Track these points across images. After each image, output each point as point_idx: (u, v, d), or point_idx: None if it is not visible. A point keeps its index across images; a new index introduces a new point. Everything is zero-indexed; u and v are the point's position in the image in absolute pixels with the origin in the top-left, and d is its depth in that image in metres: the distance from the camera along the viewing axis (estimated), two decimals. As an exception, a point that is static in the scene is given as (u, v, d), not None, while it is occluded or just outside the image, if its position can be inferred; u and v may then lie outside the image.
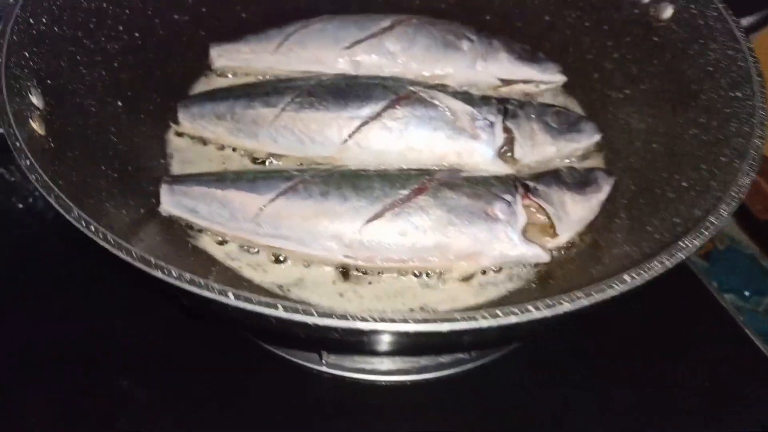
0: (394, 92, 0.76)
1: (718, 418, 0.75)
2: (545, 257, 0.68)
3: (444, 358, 0.73)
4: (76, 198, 0.53)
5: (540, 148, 0.77)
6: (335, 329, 0.44)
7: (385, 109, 0.75)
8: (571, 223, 0.69)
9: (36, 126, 0.60)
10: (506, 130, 0.76)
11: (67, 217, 0.50)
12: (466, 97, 0.78)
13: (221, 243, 0.70)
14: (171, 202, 0.71)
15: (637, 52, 0.82)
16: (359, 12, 0.91)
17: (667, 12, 0.79)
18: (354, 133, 0.75)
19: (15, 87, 0.60)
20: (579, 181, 0.72)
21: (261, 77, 0.88)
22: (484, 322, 0.44)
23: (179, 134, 0.82)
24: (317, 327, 0.44)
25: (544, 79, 0.87)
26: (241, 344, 0.75)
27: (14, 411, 0.70)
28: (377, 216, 0.66)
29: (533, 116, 0.77)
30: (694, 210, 0.61)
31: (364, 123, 0.75)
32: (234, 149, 0.80)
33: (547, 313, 0.44)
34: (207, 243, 0.70)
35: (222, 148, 0.81)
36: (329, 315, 0.44)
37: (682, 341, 0.80)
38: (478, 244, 0.66)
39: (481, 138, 0.75)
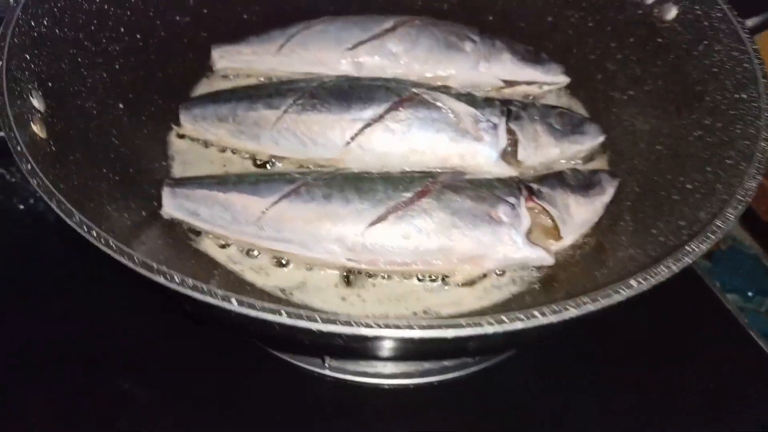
0: (397, 94, 0.76)
1: (722, 419, 0.74)
2: (549, 260, 0.67)
3: (448, 362, 0.72)
4: (77, 202, 0.53)
5: (544, 150, 0.76)
6: (339, 335, 0.44)
7: (387, 111, 0.75)
8: (575, 226, 0.69)
9: (37, 129, 0.60)
10: (509, 131, 0.75)
11: (69, 222, 0.49)
12: (469, 98, 0.77)
13: (223, 246, 0.70)
14: (173, 205, 0.70)
15: (640, 53, 0.82)
16: (361, 13, 0.90)
17: (671, 13, 0.79)
18: (356, 135, 0.75)
19: (16, 90, 0.60)
20: (583, 183, 0.71)
21: (263, 79, 0.88)
22: (489, 328, 0.43)
23: (180, 136, 0.81)
24: (321, 333, 0.44)
25: (547, 80, 0.87)
26: (241, 345, 0.74)
27: (14, 411, 0.70)
28: (380, 219, 0.66)
29: (537, 118, 0.77)
30: (700, 213, 0.60)
31: (367, 125, 0.75)
32: (235, 151, 0.80)
33: (553, 318, 0.44)
34: (209, 246, 0.70)
35: (223, 150, 0.80)
36: (333, 321, 0.43)
37: (684, 342, 0.80)
38: (481, 247, 0.66)
39: (484, 140, 0.75)
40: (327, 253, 0.67)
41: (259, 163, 0.79)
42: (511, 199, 0.68)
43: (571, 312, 0.45)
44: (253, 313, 0.44)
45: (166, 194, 0.71)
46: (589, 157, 0.80)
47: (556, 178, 0.72)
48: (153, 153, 0.78)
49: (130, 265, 0.46)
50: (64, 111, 0.66)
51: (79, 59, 0.71)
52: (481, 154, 0.75)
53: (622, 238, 0.68)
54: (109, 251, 0.47)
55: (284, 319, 0.44)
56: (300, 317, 0.43)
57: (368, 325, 0.43)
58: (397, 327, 0.43)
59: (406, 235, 0.66)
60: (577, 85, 0.88)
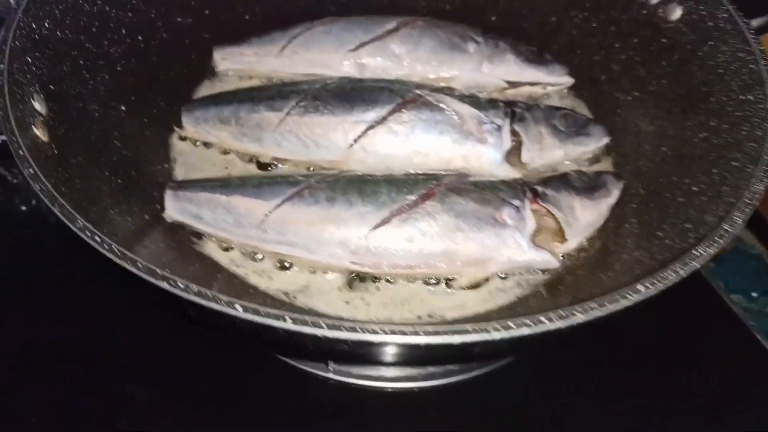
0: (400, 96, 0.76)
1: (726, 420, 0.74)
2: (554, 263, 0.67)
3: (452, 365, 0.72)
4: (80, 206, 0.53)
5: (548, 152, 0.76)
6: (345, 341, 0.43)
7: (391, 113, 0.74)
8: (580, 229, 0.69)
9: (39, 133, 0.60)
10: (514, 133, 0.75)
11: (72, 227, 0.49)
12: (473, 100, 0.77)
13: (226, 249, 0.70)
14: (176, 208, 0.70)
15: (645, 54, 0.82)
16: (363, 14, 0.90)
17: (676, 13, 0.78)
18: (360, 137, 0.74)
19: (18, 93, 0.60)
20: (588, 185, 0.71)
21: (265, 80, 0.88)
22: (496, 334, 0.43)
23: (183, 138, 0.81)
24: (326, 339, 0.43)
25: (551, 81, 0.86)
26: (241, 345, 0.74)
27: (14, 411, 0.70)
28: (384, 222, 0.66)
29: (541, 119, 0.77)
30: (706, 215, 0.60)
31: (370, 127, 0.74)
32: (237, 153, 0.80)
33: (560, 324, 0.44)
34: (212, 249, 0.70)
35: (226, 152, 0.80)
36: (338, 327, 0.43)
37: (688, 343, 0.79)
38: (486, 250, 0.66)
39: (488, 142, 0.74)
40: (330, 257, 0.66)
41: (261, 164, 0.78)
42: (516, 202, 0.67)
43: (579, 317, 0.44)
44: (257, 319, 0.44)
45: (169, 197, 0.70)
46: (594, 159, 0.80)
47: (560, 181, 0.71)
48: (155, 155, 0.77)
49: (135, 271, 0.46)
50: (65, 114, 0.65)
51: (81, 61, 0.71)
52: (485, 156, 0.74)
53: (628, 240, 0.68)
54: (112, 257, 0.47)
55: (289, 325, 0.43)
56: (305, 323, 0.43)
57: (374, 332, 0.43)
58: (403, 333, 0.43)
59: (410, 238, 0.66)
60: (581, 86, 0.87)
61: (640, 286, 0.47)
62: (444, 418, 0.71)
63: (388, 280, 0.68)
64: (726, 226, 0.53)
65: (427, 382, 0.72)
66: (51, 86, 0.65)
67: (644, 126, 0.78)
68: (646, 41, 0.81)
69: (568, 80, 0.87)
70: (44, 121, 0.61)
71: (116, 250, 0.47)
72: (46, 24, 0.67)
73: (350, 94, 0.76)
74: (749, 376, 0.78)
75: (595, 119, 0.83)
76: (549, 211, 0.68)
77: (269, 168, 0.78)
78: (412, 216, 0.66)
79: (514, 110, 0.77)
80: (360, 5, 0.93)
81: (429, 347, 0.43)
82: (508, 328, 0.43)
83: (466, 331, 0.43)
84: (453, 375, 0.72)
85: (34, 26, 0.66)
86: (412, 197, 0.67)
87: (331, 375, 0.72)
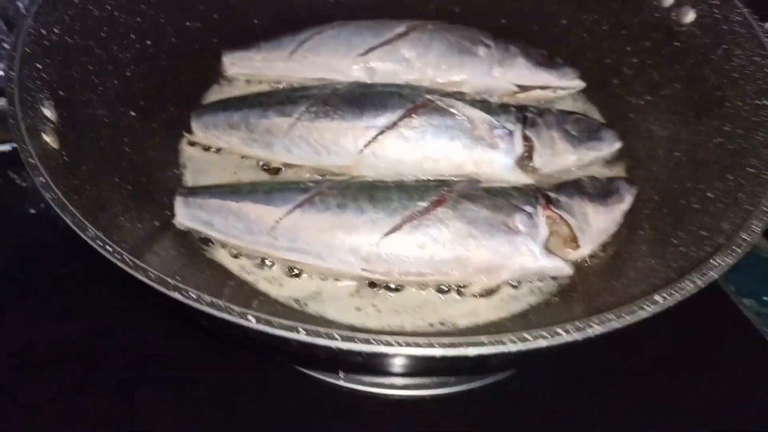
0: (411, 101, 0.75)
1: (738, 425, 0.72)
2: (567, 270, 0.66)
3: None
4: (90, 213, 0.53)
5: (560, 157, 0.75)
6: (358, 353, 0.43)
7: (401, 118, 0.74)
8: (593, 235, 0.68)
9: (49, 140, 0.60)
10: (525, 138, 0.75)
11: (83, 236, 0.49)
12: (484, 105, 0.76)
13: (236, 256, 0.69)
14: (186, 215, 0.70)
15: (657, 58, 0.81)
16: (373, 18, 0.89)
17: (689, 16, 0.77)
18: (370, 142, 0.74)
19: (28, 100, 0.60)
20: (601, 191, 0.70)
21: (274, 85, 0.88)
22: (512, 346, 0.42)
23: (192, 144, 0.81)
24: (340, 351, 0.43)
25: (562, 85, 0.86)
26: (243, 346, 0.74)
27: (14, 411, 0.69)
28: (395, 229, 0.65)
29: (553, 124, 0.76)
30: (722, 223, 0.59)
31: (381, 132, 0.74)
32: (247, 158, 0.79)
33: (577, 336, 0.43)
34: (222, 256, 0.69)
35: (235, 157, 0.79)
36: (352, 339, 0.42)
37: (699, 347, 0.78)
38: (498, 257, 0.65)
39: (499, 147, 0.74)
40: (342, 264, 0.66)
41: (271, 169, 0.78)
42: (529, 209, 0.67)
43: (596, 329, 0.44)
44: (270, 330, 0.43)
45: (179, 204, 0.70)
46: (606, 164, 0.79)
47: (573, 186, 0.71)
48: (165, 161, 0.77)
49: (147, 281, 0.45)
50: (75, 120, 0.65)
51: (90, 67, 0.71)
52: (496, 161, 0.74)
53: (642, 247, 0.67)
54: (124, 266, 0.47)
55: (302, 337, 0.43)
56: (318, 335, 0.43)
57: (388, 343, 0.42)
58: (418, 345, 0.42)
59: (422, 245, 0.65)
60: (593, 90, 0.87)
61: (658, 297, 0.46)
62: (456, 426, 0.70)
63: (399, 287, 0.68)
64: (744, 235, 0.52)
65: (439, 389, 0.71)
66: (61, 92, 0.65)
67: (657, 130, 0.78)
68: (659, 44, 0.81)
69: (580, 84, 0.86)
70: (54, 128, 0.61)
71: (128, 260, 0.47)
72: (56, 30, 0.67)
73: (360, 99, 0.76)
74: (762, 381, 0.76)
75: (607, 123, 0.82)
76: (562, 218, 0.67)
77: (279, 171, 0.78)
78: (424, 223, 0.65)
79: (525, 115, 0.76)
80: (369, 9, 0.92)
81: (444, 359, 0.42)
82: (524, 340, 0.42)
83: (482, 344, 0.42)
84: (465, 382, 0.71)
85: (44, 32, 0.66)
86: (424, 204, 0.66)
87: (342, 382, 0.72)
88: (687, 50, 0.77)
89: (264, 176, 0.78)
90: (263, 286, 0.68)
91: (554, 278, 0.68)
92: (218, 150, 0.80)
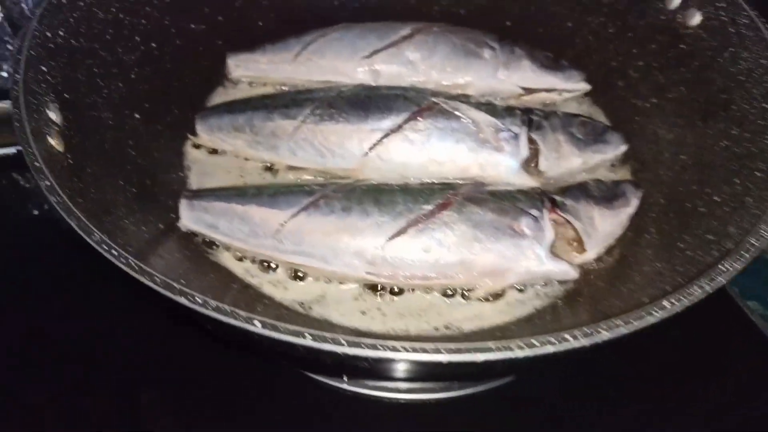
0: (416, 104, 0.75)
1: (743, 428, 0.72)
2: (573, 274, 0.66)
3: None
4: (95, 216, 0.53)
5: (566, 160, 0.75)
6: (365, 359, 0.43)
7: (406, 121, 0.74)
8: (599, 239, 0.68)
9: (54, 143, 0.59)
10: (531, 141, 0.74)
11: (88, 240, 0.49)
12: (489, 108, 0.76)
13: (240, 259, 0.69)
14: (191, 218, 0.69)
15: (663, 60, 0.80)
16: (377, 20, 0.89)
17: (695, 18, 0.77)
18: (375, 145, 0.74)
19: (33, 103, 0.59)
20: (607, 194, 0.70)
21: (279, 87, 0.87)
22: (519, 352, 0.42)
23: (197, 146, 0.81)
24: (346, 356, 0.43)
25: (567, 88, 0.85)
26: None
27: (14, 411, 0.69)
28: (400, 232, 0.65)
29: (559, 127, 0.76)
30: (729, 227, 0.59)
31: (386, 135, 0.74)
32: (251, 160, 0.79)
33: (585, 342, 0.43)
34: (227, 259, 0.69)
35: (240, 159, 0.79)
36: (359, 345, 0.42)
37: (704, 349, 0.78)
38: (504, 260, 0.65)
39: (505, 150, 0.73)
40: (346, 267, 0.66)
41: (275, 172, 0.78)
42: (534, 212, 0.66)
43: (604, 335, 0.43)
44: (276, 335, 0.43)
45: (184, 207, 0.70)
46: (612, 167, 0.79)
47: (579, 190, 0.70)
48: (169, 164, 0.77)
49: (153, 286, 0.45)
50: (80, 123, 0.65)
51: (95, 69, 0.71)
52: (501, 164, 0.74)
53: (648, 251, 0.67)
54: (129, 271, 0.47)
55: (309, 342, 0.43)
56: (325, 340, 0.42)
57: (395, 349, 0.42)
58: (425, 351, 0.42)
59: (427, 248, 0.65)
60: (598, 93, 0.86)
61: (666, 303, 0.46)
62: (461, 429, 0.70)
63: (404, 291, 0.67)
64: (752, 240, 0.51)
65: (443, 393, 0.71)
66: (65, 95, 0.65)
67: (663, 133, 0.77)
68: (665, 47, 0.80)
69: (585, 86, 0.86)
70: (59, 131, 0.61)
71: (134, 264, 0.47)
72: (61, 32, 0.67)
73: (365, 101, 0.76)
74: (766, 384, 0.76)
75: (613, 126, 0.81)
76: (568, 221, 0.67)
77: (277, 173, 0.78)
78: (429, 226, 0.65)
79: (531, 118, 0.76)
80: (374, 11, 0.92)
81: (451, 365, 0.42)
82: (532, 345, 0.42)
83: (489, 349, 0.42)
84: (469, 386, 0.71)
85: (49, 35, 0.65)
86: (429, 207, 0.66)
87: (345, 385, 0.72)
88: (693, 53, 0.77)
89: (269, 179, 0.78)
90: (268, 289, 0.67)
91: (560, 282, 0.68)
92: (223, 152, 0.80)
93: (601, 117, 0.85)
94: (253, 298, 0.66)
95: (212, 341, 0.72)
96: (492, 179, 0.73)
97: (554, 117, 0.77)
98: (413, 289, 0.67)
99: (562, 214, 0.67)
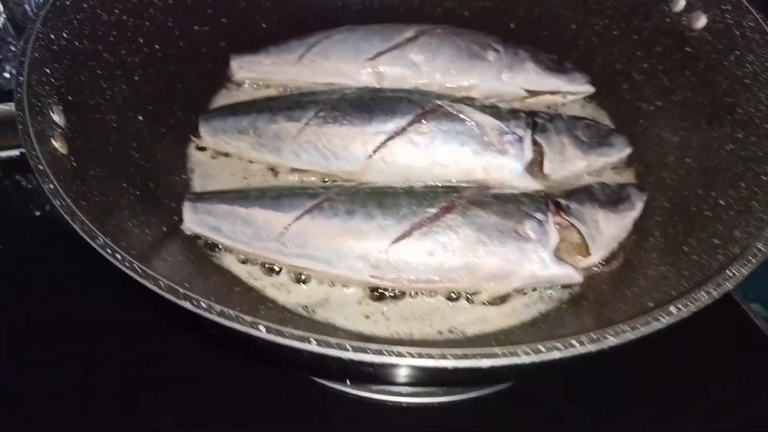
0: (420, 106, 0.75)
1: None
2: (578, 278, 0.66)
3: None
4: (98, 219, 0.53)
5: (570, 163, 0.75)
6: (370, 364, 0.42)
7: (410, 124, 0.74)
8: (604, 243, 0.67)
9: (58, 145, 0.59)
10: (535, 144, 0.74)
11: (92, 244, 0.48)
12: (493, 110, 0.76)
13: (244, 262, 0.69)
14: (194, 221, 0.69)
15: (668, 63, 0.80)
16: (381, 22, 0.89)
17: (701, 21, 0.77)
18: (379, 148, 0.74)
19: (37, 105, 0.59)
20: (612, 198, 0.70)
21: (282, 89, 0.87)
22: (526, 358, 0.42)
23: (200, 148, 0.80)
24: (351, 362, 0.42)
25: (571, 90, 0.85)
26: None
27: (14, 411, 0.69)
28: (404, 235, 0.65)
29: (563, 130, 0.75)
30: (734, 231, 0.59)
31: (390, 138, 0.73)
32: (255, 162, 0.79)
33: (592, 347, 0.43)
34: (230, 262, 0.69)
35: (244, 161, 0.79)
36: (364, 350, 0.42)
37: (706, 352, 0.77)
38: (508, 264, 0.64)
39: (509, 153, 0.73)
40: (350, 270, 0.65)
41: (279, 174, 0.78)
42: (539, 215, 0.66)
43: (611, 341, 0.43)
44: (281, 340, 0.43)
45: (187, 209, 0.70)
46: (616, 170, 0.79)
47: (584, 193, 0.70)
48: (173, 166, 0.77)
49: (157, 290, 0.45)
50: (83, 125, 0.65)
51: (99, 71, 0.71)
52: (506, 167, 0.73)
53: (652, 255, 0.66)
54: (134, 275, 0.47)
55: (314, 347, 0.43)
56: (330, 345, 0.42)
57: (400, 355, 0.42)
58: (431, 357, 0.42)
59: (431, 251, 0.65)
60: (603, 95, 0.86)
61: (672, 308, 0.46)
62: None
63: (408, 294, 0.67)
64: (760, 245, 0.51)
65: (447, 397, 0.71)
66: (69, 97, 0.64)
67: (668, 136, 0.77)
68: (670, 50, 0.80)
69: (589, 89, 0.86)
70: (63, 133, 0.61)
71: (138, 269, 0.47)
72: (65, 34, 0.67)
73: (369, 104, 0.76)
74: (768, 385, 0.76)
75: (617, 129, 0.81)
76: (572, 225, 0.67)
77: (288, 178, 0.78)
78: (433, 229, 0.65)
79: (535, 120, 0.75)
80: (378, 13, 0.92)
81: (457, 371, 0.42)
82: (538, 351, 0.42)
83: (495, 355, 0.42)
84: (473, 390, 0.71)
85: (53, 37, 0.65)
86: (433, 210, 0.66)
87: (348, 388, 0.71)
88: (698, 55, 0.76)
89: (272, 181, 0.77)
90: (271, 292, 0.67)
91: (564, 286, 0.67)
92: (226, 155, 0.80)
93: (605, 120, 0.85)
94: (256, 301, 0.65)
95: (212, 343, 0.72)
96: (496, 182, 0.73)
97: (559, 120, 0.77)
98: (417, 293, 0.67)
99: (566, 218, 0.67)
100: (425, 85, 0.83)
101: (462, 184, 0.72)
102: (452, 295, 0.67)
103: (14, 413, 0.69)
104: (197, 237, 0.70)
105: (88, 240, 0.49)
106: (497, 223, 0.65)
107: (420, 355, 0.42)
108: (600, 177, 0.78)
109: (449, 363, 0.42)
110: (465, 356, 0.42)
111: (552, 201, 0.68)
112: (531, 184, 0.73)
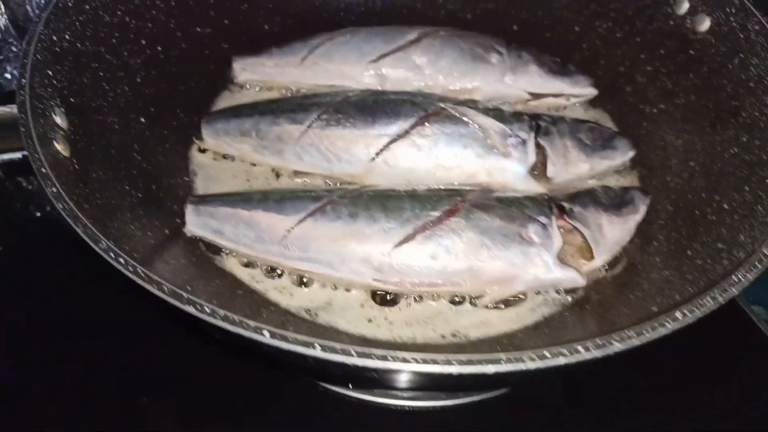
0: (423, 109, 0.74)
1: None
2: (581, 281, 0.65)
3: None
4: (101, 222, 0.53)
5: (573, 166, 0.74)
6: (374, 370, 0.42)
7: (413, 126, 0.73)
8: (607, 246, 0.67)
9: (60, 148, 0.59)
10: (538, 147, 0.74)
11: (95, 248, 0.48)
12: (497, 113, 0.76)
13: (246, 265, 0.69)
14: (196, 224, 0.69)
15: (671, 66, 0.80)
16: (384, 24, 0.89)
17: (704, 24, 0.76)
18: (382, 150, 0.73)
19: (39, 107, 0.59)
20: (615, 201, 0.70)
21: (285, 91, 0.87)
22: (531, 364, 0.42)
23: (202, 150, 0.80)
24: (356, 367, 0.42)
25: (574, 93, 0.85)
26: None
27: (14, 411, 0.69)
28: (408, 239, 0.65)
29: (566, 133, 0.75)
30: (739, 235, 0.58)
31: (393, 140, 0.73)
32: (257, 164, 0.79)
33: (597, 353, 0.42)
34: (233, 265, 0.69)
35: (246, 164, 0.79)
36: (368, 355, 0.42)
37: (707, 355, 0.77)
38: (511, 268, 0.64)
39: (512, 156, 0.73)
40: (353, 274, 0.65)
41: (281, 176, 0.78)
42: (542, 219, 0.66)
43: (616, 347, 0.43)
44: (285, 345, 0.43)
45: (190, 212, 0.69)
46: (619, 173, 0.79)
47: (587, 197, 0.70)
48: (175, 168, 0.77)
49: (160, 294, 0.45)
50: (86, 127, 0.65)
51: (101, 73, 0.71)
52: (509, 170, 0.73)
53: (656, 259, 0.66)
54: (137, 279, 0.46)
55: (318, 353, 0.42)
56: (334, 351, 0.42)
57: (405, 360, 0.42)
58: (435, 362, 0.42)
59: (434, 255, 0.64)
60: (606, 98, 0.86)
61: (678, 314, 0.45)
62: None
63: (411, 298, 0.67)
64: (765, 250, 0.51)
65: (449, 400, 0.70)
66: (71, 99, 0.64)
67: (671, 140, 0.77)
68: (673, 52, 0.80)
69: (592, 92, 0.85)
70: (65, 135, 0.61)
71: (141, 273, 0.46)
72: (67, 36, 0.67)
73: (372, 106, 0.75)
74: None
75: (621, 132, 0.81)
76: (576, 228, 0.67)
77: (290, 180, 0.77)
78: (436, 233, 0.65)
79: (539, 123, 0.75)
80: (381, 15, 0.92)
81: (461, 377, 0.42)
82: (543, 357, 0.42)
83: (500, 361, 0.42)
84: (476, 394, 0.70)
85: (55, 39, 0.65)
86: (437, 213, 0.66)
87: (349, 391, 0.71)
88: (702, 58, 0.76)
89: (275, 184, 0.77)
90: (273, 295, 0.67)
91: (568, 289, 0.67)
92: (229, 157, 0.80)
93: (608, 122, 0.85)
94: (258, 305, 0.65)
95: (213, 343, 0.71)
96: (499, 185, 0.73)
97: (562, 122, 0.77)
98: (420, 296, 0.67)
99: (569, 221, 0.67)
100: (428, 87, 0.83)
101: (465, 188, 0.71)
102: (455, 298, 0.67)
103: (14, 413, 0.69)
104: (199, 240, 0.70)
105: (91, 244, 0.49)
106: (501, 227, 0.65)
107: (425, 361, 0.42)
108: (603, 180, 0.78)
109: (454, 369, 0.42)
110: (470, 362, 0.42)
111: (555, 204, 0.68)
112: (534, 188, 0.73)
